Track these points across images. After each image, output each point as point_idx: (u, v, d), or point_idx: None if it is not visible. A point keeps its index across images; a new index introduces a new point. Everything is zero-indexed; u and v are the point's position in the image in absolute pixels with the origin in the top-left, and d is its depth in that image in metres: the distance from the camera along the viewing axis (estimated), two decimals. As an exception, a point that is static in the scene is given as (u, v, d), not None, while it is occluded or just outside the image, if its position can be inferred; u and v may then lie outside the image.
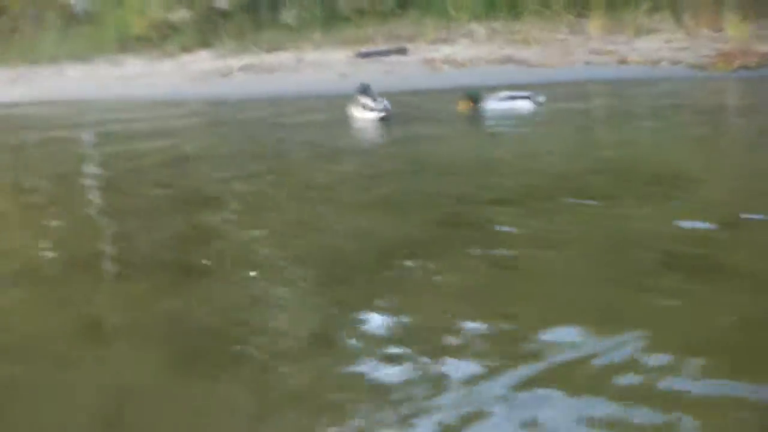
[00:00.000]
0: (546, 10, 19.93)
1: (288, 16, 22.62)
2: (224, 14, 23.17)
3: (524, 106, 11.51)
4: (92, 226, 6.37)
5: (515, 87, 12.57)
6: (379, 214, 6.00)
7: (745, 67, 14.78)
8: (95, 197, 7.67)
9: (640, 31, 18.20)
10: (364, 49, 19.35)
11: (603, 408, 2.91)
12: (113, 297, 4.59)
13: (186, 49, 22.78)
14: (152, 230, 6.01)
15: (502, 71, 16.08)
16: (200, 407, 3.18)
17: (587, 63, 16.38)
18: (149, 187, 7.83)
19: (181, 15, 23.61)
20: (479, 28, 19.79)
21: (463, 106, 11.61)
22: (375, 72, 17.06)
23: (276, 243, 5.40)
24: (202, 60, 21.51)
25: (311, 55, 19.97)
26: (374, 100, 11.34)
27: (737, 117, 10.58)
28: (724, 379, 3.07)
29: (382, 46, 19.49)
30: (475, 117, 11.27)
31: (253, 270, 4.76)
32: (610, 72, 15.50)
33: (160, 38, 23.88)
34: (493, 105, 11.59)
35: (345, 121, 11.52)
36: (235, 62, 20.18)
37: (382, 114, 11.19)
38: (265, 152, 9.47)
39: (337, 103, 13.46)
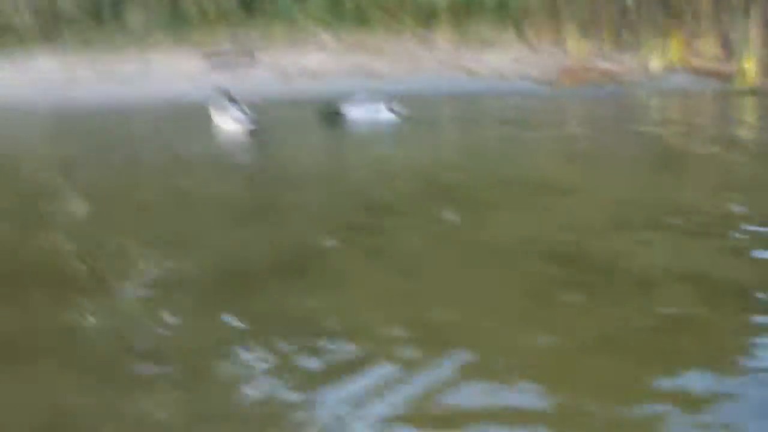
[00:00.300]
0: (393, 21, 20.36)
1: (132, 19, 22.14)
2: (66, 16, 22.41)
3: (386, 116, 11.91)
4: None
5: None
6: (263, 227, 6.04)
7: (587, 83, 15.54)
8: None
9: (485, 45, 18.87)
10: (213, 55, 19.25)
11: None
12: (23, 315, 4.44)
13: (26, 52, 21.93)
14: (20, 244, 5.83)
15: (354, 82, 16.38)
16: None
17: (437, 75, 16.89)
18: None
19: (19, 16, 22.68)
20: (327, 37, 20.01)
21: (322, 121, 11.87)
22: (227, 81, 16.81)
23: (156, 257, 5.28)
24: (45, 64, 20.80)
25: (160, 60, 19.67)
26: (239, 109, 11.29)
27: (588, 131, 11.15)
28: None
29: (229, 48, 19.48)
30: (338, 127, 11.48)
31: (137, 287, 4.69)
32: (460, 84, 16.19)
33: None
34: (356, 114, 11.89)
35: (206, 129, 11.41)
36: (81, 67, 19.64)
37: (251, 127, 11.11)
38: (123, 161, 9.29)
39: (192, 111, 13.44)
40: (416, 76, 16.86)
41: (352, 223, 6.01)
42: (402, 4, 20.30)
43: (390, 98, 12.16)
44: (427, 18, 20.03)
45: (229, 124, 11.23)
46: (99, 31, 21.87)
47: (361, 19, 20.46)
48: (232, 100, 11.51)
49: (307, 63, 18.43)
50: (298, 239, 5.54)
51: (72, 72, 19.65)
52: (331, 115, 11.79)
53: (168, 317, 4.19)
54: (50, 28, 22.34)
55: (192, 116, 13.04)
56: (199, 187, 7.69)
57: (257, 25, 21.03)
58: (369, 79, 16.61)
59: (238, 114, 11.22)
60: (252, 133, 11.03)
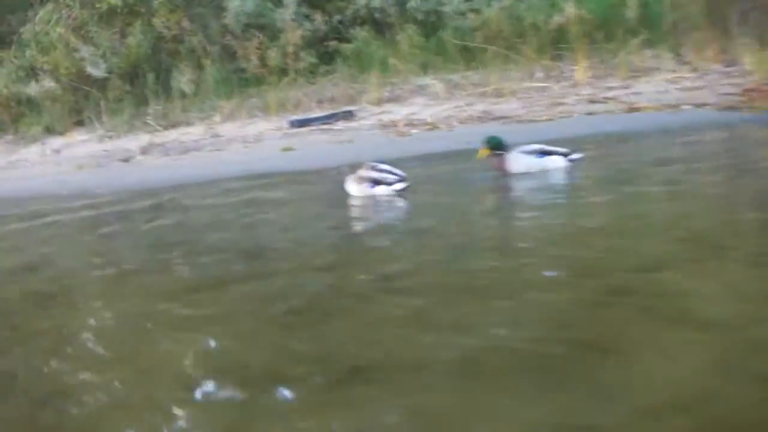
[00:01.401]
0: (512, 55, 21.20)
1: (181, 81, 22.98)
2: (99, 83, 23.32)
3: (558, 164, 12.02)
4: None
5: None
6: (531, 297, 6.43)
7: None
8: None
9: (636, 72, 19.74)
10: (295, 117, 20.10)
11: None
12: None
13: (52, 130, 22.82)
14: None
15: (486, 131, 16.57)
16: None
17: (589, 113, 17.51)
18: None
19: (40, 87, 23.59)
20: (434, 82, 20.84)
21: (483, 153, 12.03)
22: (324, 143, 17.83)
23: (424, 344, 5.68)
24: (81, 143, 21.64)
25: (226, 127, 20.50)
26: (384, 169, 11.68)
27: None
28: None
29: (319, 112, 20.37)
30: (502, 179, 11.90)
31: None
32: (620, 122, 16.54)
33: (12, 119, 23.80)
34: (522, 163, 12.02)
35: (338, 200, 11.83)
36: (131, 143, 20.49)
37: (400, 185, 11.45)
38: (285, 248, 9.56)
39: (293, 182, 14.33)
40: (559, 118, 17.40)
41: (620, 285, 6.45)
42: (519, 33, 21.18)
43: (569, 149, 12.31)
44: (555, 47, 21.01)
45: (370, 189, 11.61)
46: (139, 96, 22.77)
47: (471, 58, 21.55)
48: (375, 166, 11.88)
49: (417, 113, 19.18)
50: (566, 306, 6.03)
51: (114, 148, 20.38)
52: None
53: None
54: (80, 101, 23.24)
55: (297, 188, 13.78)
56: (392, 264, 8.03)
57: (341, 75, 22.16)
58: (505, 127, 17.05)
59: (383, 174, 11.61)
60: (401, 193, 11.44)
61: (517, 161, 12.06)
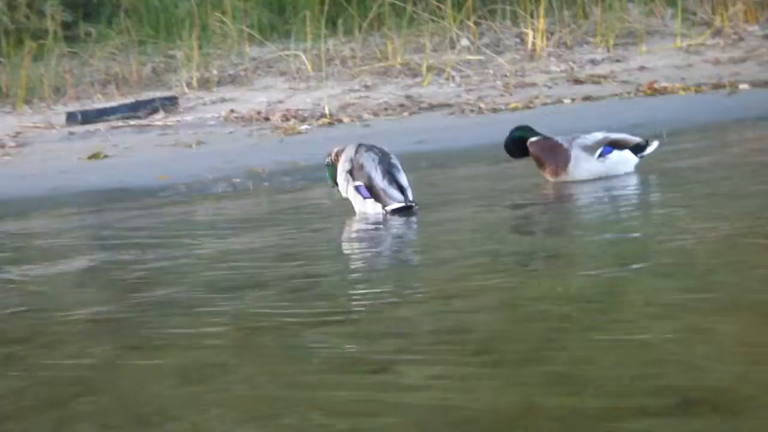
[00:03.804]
0: (417, 12, 20.70)
1: None
2: None
3: (626, 162, 12.39)
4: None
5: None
6: None
7: None
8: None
9: (622, 38, 19.82)
10: (76, 108, 19.02)
11: None
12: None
13: None
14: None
15: (432, 125, 16.59)
16: None
17: (586, 98, 17.48)
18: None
19: None
20: (296, 53, 20.24)
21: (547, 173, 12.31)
22: (152, 146, 16.98)
23: None
24: None
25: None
26: (385, 174, 11.52)
27: None
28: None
29: (104, 100, 19.44)
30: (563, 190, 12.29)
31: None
32: (642, 110, 16.58)
33: None
34: (585, 165, 12.24)
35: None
36: None
37: (404, 204, 11.46)
38: None
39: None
40: (540, 106, 17.26)
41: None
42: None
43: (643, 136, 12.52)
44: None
45: (365, 202, 11.57)
46: None
47: (337, 15, 21.08)
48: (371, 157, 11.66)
49: (284, 101, 18.73)
50: None
51: None
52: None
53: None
54: None
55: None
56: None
57: (124, 41, 21.18)
58: (448, 116, 17.07)
59: (382, 183, 11.53)
60: (402, 213, 11.56)
61: (583, 165, 12.41)
